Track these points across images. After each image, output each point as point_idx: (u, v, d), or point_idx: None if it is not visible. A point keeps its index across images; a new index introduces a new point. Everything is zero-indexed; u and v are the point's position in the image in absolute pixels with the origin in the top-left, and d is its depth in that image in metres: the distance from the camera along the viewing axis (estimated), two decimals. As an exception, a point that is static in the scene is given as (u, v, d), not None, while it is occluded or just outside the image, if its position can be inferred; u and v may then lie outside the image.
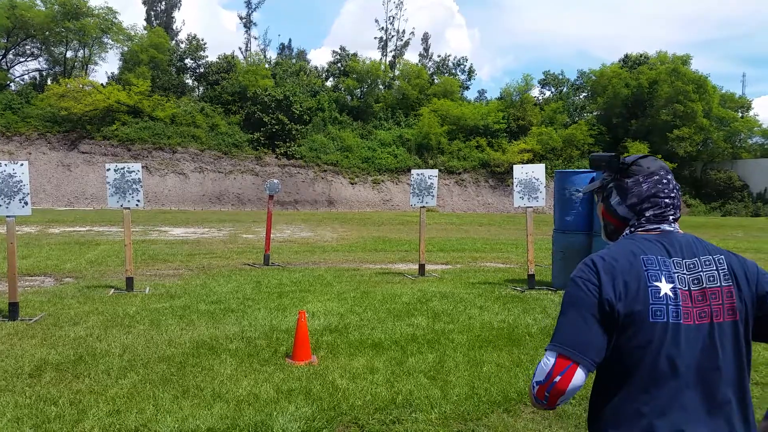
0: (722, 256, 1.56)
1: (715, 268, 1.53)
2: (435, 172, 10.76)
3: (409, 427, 3.90)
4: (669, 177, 1.64)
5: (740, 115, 48.74)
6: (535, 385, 1.49)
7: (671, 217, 1.62)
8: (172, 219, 25.03)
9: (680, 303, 1.48)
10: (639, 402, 1.47)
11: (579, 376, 1.44)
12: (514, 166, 9.87)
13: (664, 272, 1.50)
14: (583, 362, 1.45)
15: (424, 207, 10.55)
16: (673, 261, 1.52)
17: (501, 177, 42.56)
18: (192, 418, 3.91)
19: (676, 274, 1.50)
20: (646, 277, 1.48)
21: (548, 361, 1.47)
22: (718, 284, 1.51)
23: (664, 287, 1.48)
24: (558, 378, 1.45)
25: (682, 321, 1.46)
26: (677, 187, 1.66)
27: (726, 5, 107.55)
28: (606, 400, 1.53)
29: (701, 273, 1.52)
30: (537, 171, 9.50)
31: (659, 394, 1.46)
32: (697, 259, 1.54)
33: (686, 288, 1.50)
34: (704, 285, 1.51)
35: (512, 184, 9.75)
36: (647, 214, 1.61)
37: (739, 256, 1.62)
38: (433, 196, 10.52)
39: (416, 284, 9.50)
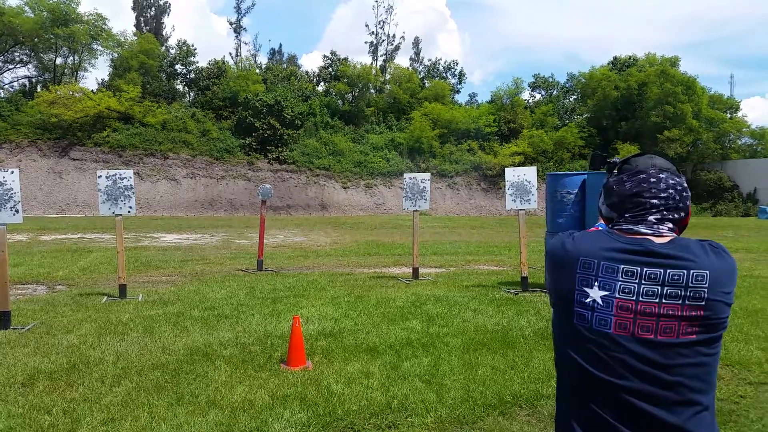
0: (706, 272, 1.40)
1: (684, 283, 1.40)
2: (428, 175, 10.78)
3: None
4: (662, 176, 1.52)
5: (729, 116, 49.14)
6: None
7: (652, 218, 1.50)
8: (165, 225, 24.93)
9: (612, 312, 1.42)
10: (571, 405, 1.50)
11: None
12: (506, 168, 9.91)
13: (600, 279, 1.44)
14: None
15: (417, 210, 10.57)
16: (622, 268, 1.43)
17: (493, 180, 42.72)
18: (187, 426, 3.90)
19: (621, 283, 1.42)
20: (575, 279, 1.48)
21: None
22: (680, 302, 1.39)
23: (594, 294, 1.45)
24: None
25: (612, 330, 1.42)
26: (677, 187, 1.52)
27: (713, 8, 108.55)
28: (558, 399, 1.59)
29: (659, 286, 1.41)
30: (528, 173, 9.54)
31: (585, 403, 1.46)
32: (661, 270, 1.41)
33: (633, 298, 1.41)
34: (661, 299, 1.40)
35: (504, 186, 9.79)
36: (627, 214, 1.54)
37: (725, 261, 1.45)
38: (426, 199, 10.54)
39: (410, 288, 9.50)
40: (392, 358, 5.45)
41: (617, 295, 1.42)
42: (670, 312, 1.40)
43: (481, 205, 42.06)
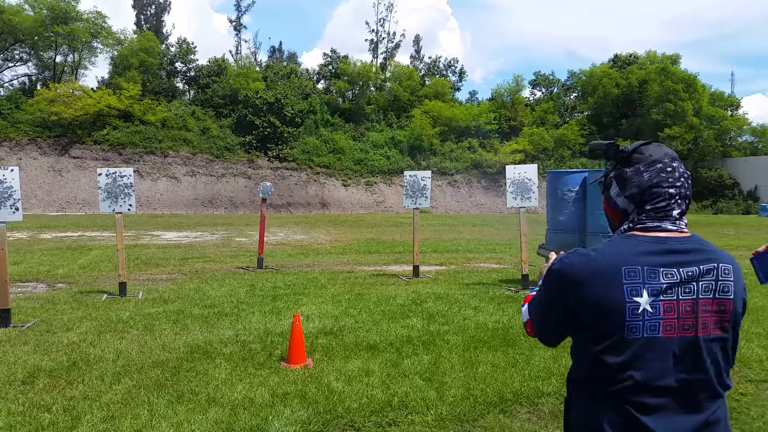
0: (729, 266, 1.47)
1: (714, 277, 1.45)
2: (428, 173, 10.76)
3: (405, 429, 3.89)
4: (675, 165, 1.52)
5: (729, 113, 49.13)
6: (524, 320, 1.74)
7: (675, 212, 1.49)
8: (165, 223, 24.93)
9: (660, 316, 1.41)
10: (601, 407, 1.46)
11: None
12: (507, 166, 9.90)
13: (647, 285, 1.42)
14: (542, 338, 1.65)
15: (417, 208, 10.56)
16: (662, 271, 1.43)
17: (493, 177, 42.70)
18: (187, 423, 3.89)
19: (664, 285, 1.42)
20: (624, 291, 1.42)
21: (524, 315, 1.73)
22: (712, 296, 1.44)
23: (643, 301, 1.41)
24: (528, 330, 1.71)
25: (660, 334, 1.41)
26: (686, 175, 1.53)
27: (713, 6, 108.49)
28: (593, 410, 1.49)
29: (695, 283, 1.43)
30: (529, 171, 9.52)
31: (618, 405, 1.43)
32: (696, 267, 1.44)
33: (674, 298, 1.42)
34: (697, 296, 1.43)
35: (505, 184, 9.77)
36: (647, 207, 1.50)
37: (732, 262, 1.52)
38: (426, 197, 10.52)
39: (410, 286, 9.49)
40: (393, 356, 5.44)
41: (661, 298, 1.43)
42: (705, 308, 1.44)
43: (482, 203, 42.05)
